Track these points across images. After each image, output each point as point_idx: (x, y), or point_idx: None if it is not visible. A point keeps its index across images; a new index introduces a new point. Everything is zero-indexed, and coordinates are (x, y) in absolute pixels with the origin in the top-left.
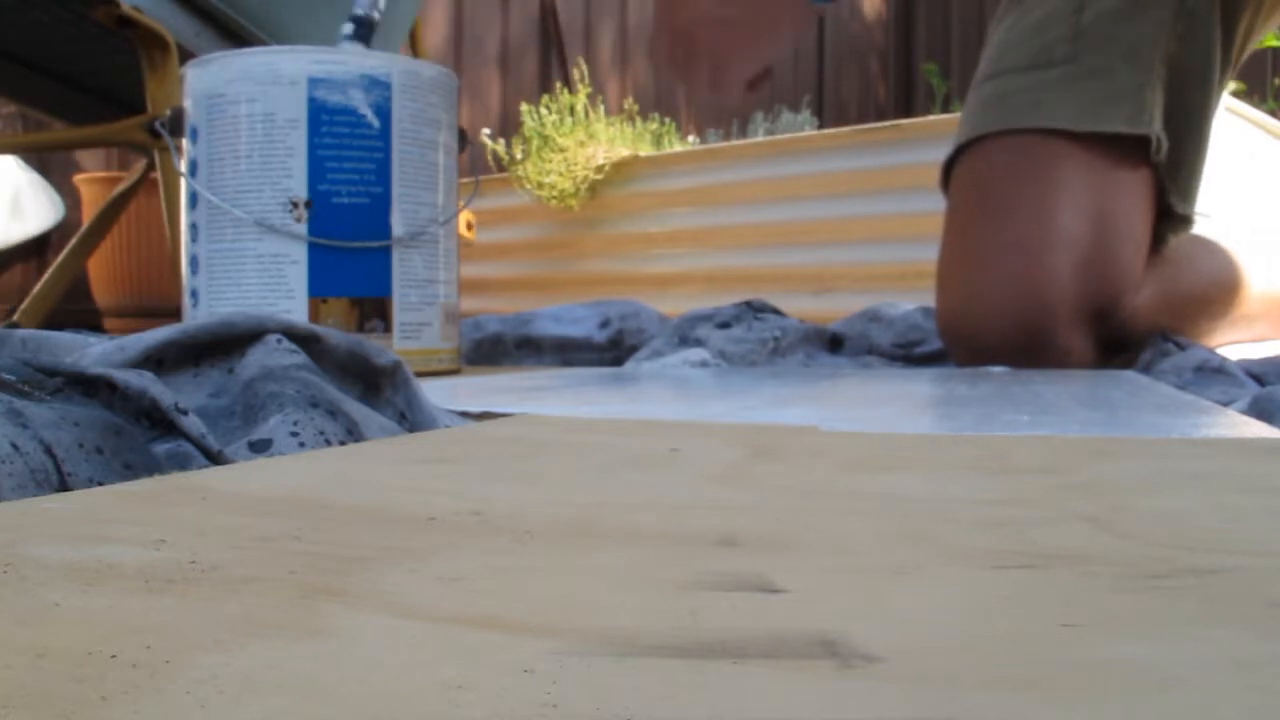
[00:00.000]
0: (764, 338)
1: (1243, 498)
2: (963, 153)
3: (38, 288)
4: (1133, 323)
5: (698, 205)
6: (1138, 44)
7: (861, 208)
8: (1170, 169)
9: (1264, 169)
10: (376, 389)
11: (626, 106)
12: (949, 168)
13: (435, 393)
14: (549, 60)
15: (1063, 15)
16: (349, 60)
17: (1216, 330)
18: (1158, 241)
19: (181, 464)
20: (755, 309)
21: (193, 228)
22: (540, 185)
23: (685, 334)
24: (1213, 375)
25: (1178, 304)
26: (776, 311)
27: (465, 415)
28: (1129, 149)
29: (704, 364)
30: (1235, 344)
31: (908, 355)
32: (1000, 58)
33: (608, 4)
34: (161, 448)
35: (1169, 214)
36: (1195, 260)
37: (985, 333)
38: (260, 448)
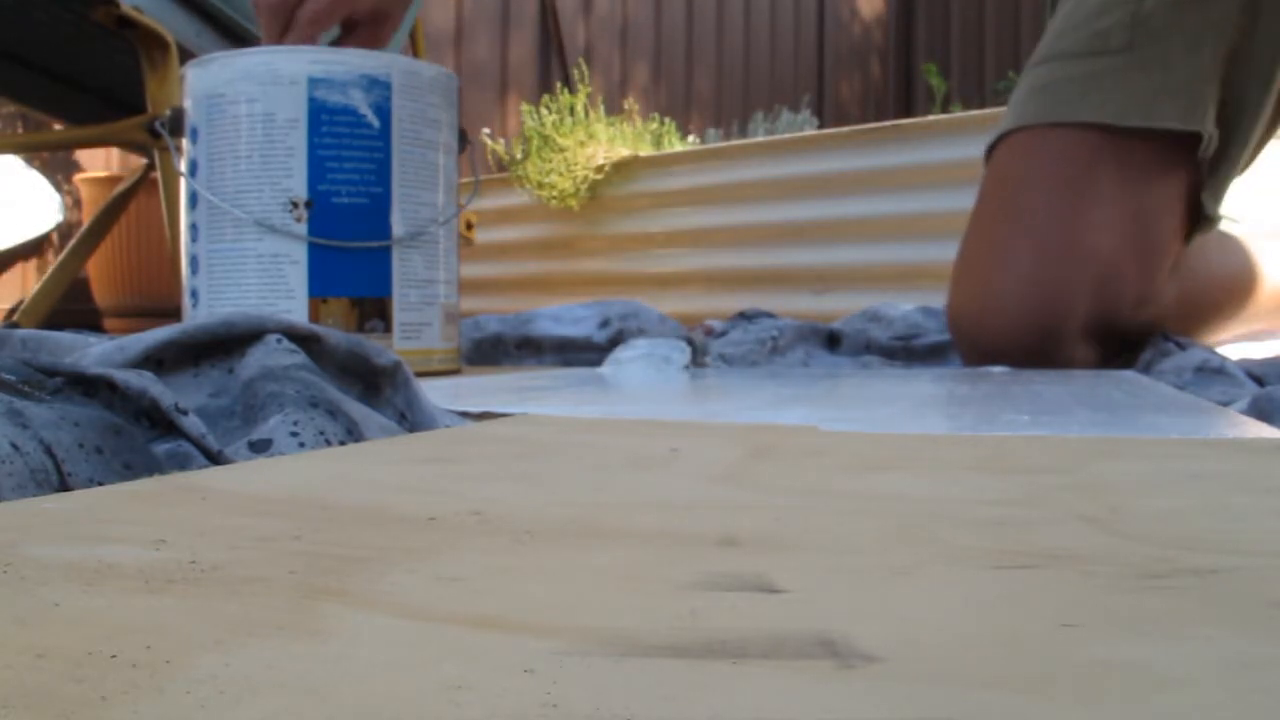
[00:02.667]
0: (762, 338)
1: (1243, 498)
2: (1005, 139)
3: (38, 288)
4: (1147, 327)
5: (698, 205)
6: (1199, 35)
7: (861, 208)
8: (1209, 166)
9: (1265, 169)
10: (376, 389)
11: (626, 106)
12: (990, 151)
13: (435, 393)
14: (549, 60)
15: (1123, 1)
16: (349, 60)
17: (1226, 328)
18: (1184, 243)
19: (181, 464)
20: (749, 317)
21: (193, 228)
22: (540, 185)
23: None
24: (1213, 375)
25: (1191, 307)
26: (771, 316)
27: (465, 415)
28: (1175, 145)
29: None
30: (1239, 340)
31: (907, 347)
32: (1055, 41)
33: (608, 4)
34: (161, 448)
35: (1198, 215)
36: (1209, 259)
37: (995, 334)
38: (260, 448)
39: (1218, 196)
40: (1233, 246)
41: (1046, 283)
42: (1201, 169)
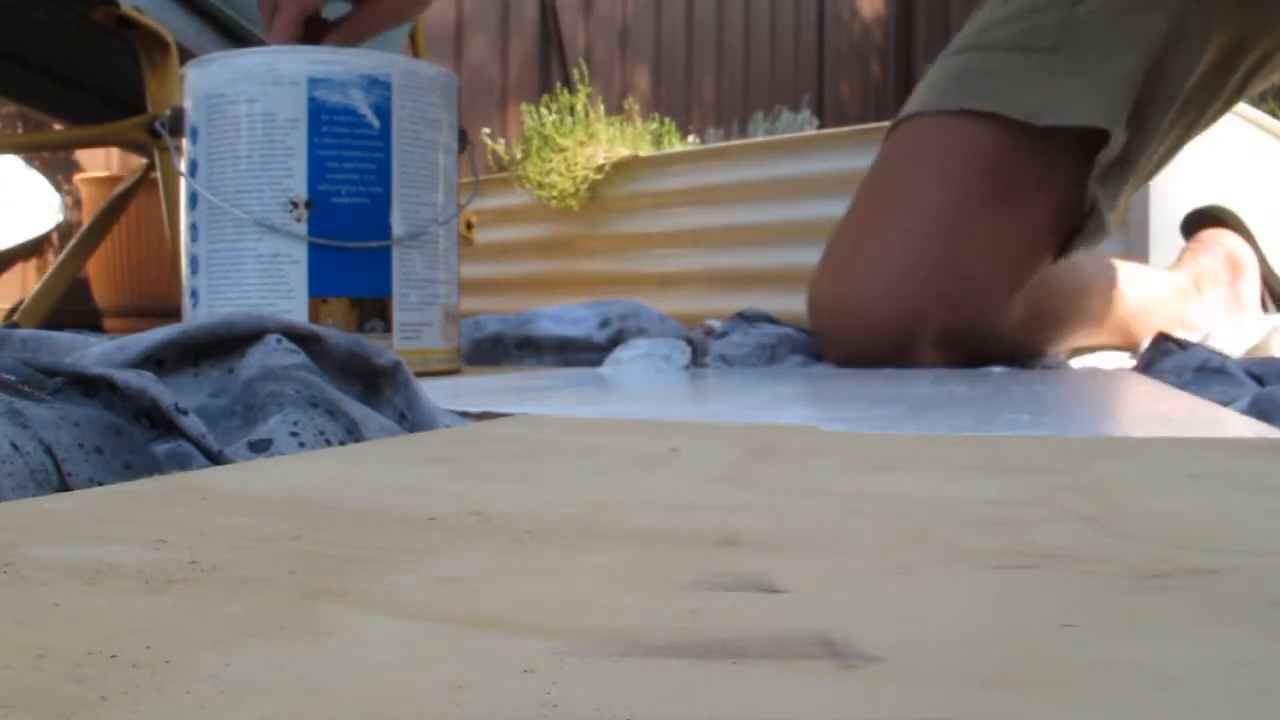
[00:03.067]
0: (762, 344)
1: (1243, 498)
2: (910, 120)
3: (38, 288)
4: (993, 337)
5: (698, 205)
6: (1126, 44)
7: None
8: (1103, 178)
9: (1264, 168)
10: (376, 389)
11: (626, 106)
12: (892, 130)
13: (435, 393)
14: (549, 60)
15: (1058, 3)
16: (349, 60)
17: (1067, 340)
18: (1054, 259)
19: (181, 464)
20: (749, 319)
21: (193, 228)
22: (540, 185)
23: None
24: (1213, 375)
25: (1035, 318)
26: (770, 319)
27: (465, 415)
28: (1076, 148)
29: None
30: (1089, 352)
31: None
32: (980, 33)
33: (608, 4)
34: (161, 448)
35: (1078, 230)
36: (1056, 272)
37: (852, 332)
38: (260, 448)
39: (1112, 206)
40: (1079, 261)
41: (910, 290)
42: (1091, 186)
